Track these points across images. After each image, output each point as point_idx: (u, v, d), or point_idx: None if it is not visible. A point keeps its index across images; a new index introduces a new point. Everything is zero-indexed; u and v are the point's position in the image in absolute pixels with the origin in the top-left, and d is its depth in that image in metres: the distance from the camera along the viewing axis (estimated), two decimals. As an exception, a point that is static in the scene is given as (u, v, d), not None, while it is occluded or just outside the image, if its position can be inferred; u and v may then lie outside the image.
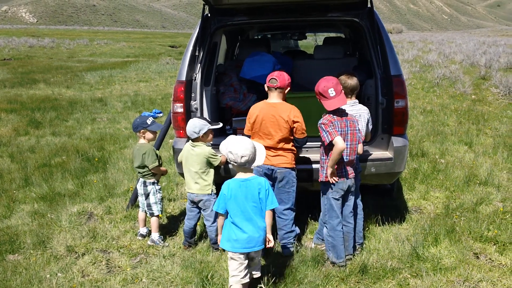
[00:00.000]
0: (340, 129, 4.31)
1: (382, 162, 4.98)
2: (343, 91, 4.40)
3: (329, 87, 4.27)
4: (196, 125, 4.67)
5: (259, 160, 3.87)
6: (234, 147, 3.74)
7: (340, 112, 4.39)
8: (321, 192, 4.63)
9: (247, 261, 3.87)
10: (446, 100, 13.66)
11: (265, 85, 4.63)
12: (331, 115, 4.35)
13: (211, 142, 4.92)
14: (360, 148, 4.53)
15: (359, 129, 4.49)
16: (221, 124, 4.99)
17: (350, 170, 4.48)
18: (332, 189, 4.47)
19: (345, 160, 4.41)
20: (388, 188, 6.11)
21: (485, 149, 8.40)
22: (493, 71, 17.91)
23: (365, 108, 4.79)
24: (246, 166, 3.80)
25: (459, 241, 4.86)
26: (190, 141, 4.81)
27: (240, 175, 3.85)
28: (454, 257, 4.58)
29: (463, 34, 79.22)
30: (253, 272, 4.01)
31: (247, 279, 3.87)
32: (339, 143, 4.20)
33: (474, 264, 4.49)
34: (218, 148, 4.03)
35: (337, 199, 4.51)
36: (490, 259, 4.62)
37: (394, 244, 4.81)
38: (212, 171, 4.80)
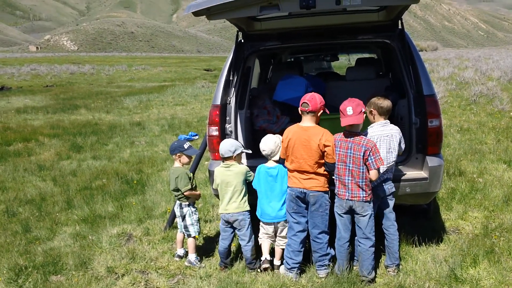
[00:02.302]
0: (338, 149, 4.50)
1: (417, 182, 4.95)
2: (363, 112, 4.49)
3: (348, 106, 4.44)
4: (232, 145, 4.94)
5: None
6: (261, 142, 4.90)
7: (351, 134, 4.49)
8: None
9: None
10: (484, 117, 13.42)
11: (299, 108, 4.71)
12: (344, 132, 4.54)
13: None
14: (373, 174, 4.45)
15: (371, 153, 4.45)
16: (251, 151, 5.28)
17: (345, 192, 4.51)
18: (336, 203, 4.62)
19: (337, 179, 4.57)
20: (424, 208, 6.05)
21: (525, 167, 8.22)
22: (533, 87, 17.52)
23: (397, 128, 4.80)
24: (268, 158, 4.90)
25: (499, 262, 4.77)
26: (222, 163, 4.98)
27: (268, 163, 4.92)
28: (493, 279, 4.49)
29: (500, 50, 77.77)
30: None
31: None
32: None
33: (514, 285, 4.40)
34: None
35: (341, 215, 4.61)
36: (531, 280, 4.51)
37: (432, 265, 4.75)
38: (246, 188, 4.96)
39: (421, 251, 5.15)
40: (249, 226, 4.93)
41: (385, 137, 4.70)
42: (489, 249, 5.01)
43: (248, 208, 4.95)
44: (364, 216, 4.53)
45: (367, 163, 4.41)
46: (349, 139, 4.48)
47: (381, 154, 4.53)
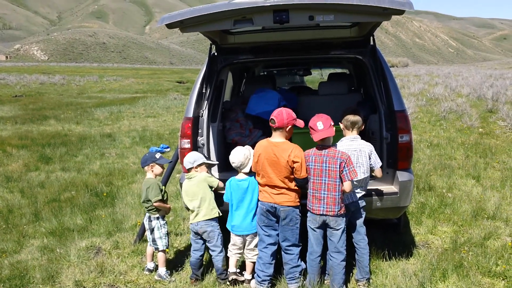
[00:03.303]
0: (313, 164, 4.51)
1: (388, 196, 5.00)
2: (333, 126, 4.54)
3: (318, 121, 4.49)
4: (192, 156, 5.04)
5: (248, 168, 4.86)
6: (230, 155, 4.90)
7: (325, 148, 4.52)
8: None
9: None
10: (453, 133, 13.69)
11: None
12: (317, 147, 4.56)
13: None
14: (347, 186, 4.49)
15: (346, 165, 4.50)
16: (217, 162, 5.35)
17: (319, 207, 4.51)
18: (309, 217, 4.63)
19: (312, 194, 4.56)
20: (394, 223, 6.10)
21: (493, 183, 8.39)
22: (500, 104, 17.91)
23: (368, 144, 4.85)
24: (238, 171, 4.90)
25: (467, 276, 4.83)
26: (185, 176, 5.04)
27: (238, 176, 4.91)
28: (462, 292, 4.55)
29: (470, 67, 79.64)
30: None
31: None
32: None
33: (482, 299, 4.47)
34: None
35: (314, 230, 4.62)
36: (499, 294, 4.59)
37: (402, 279, 4.78)
38: (213, 194, 4.99)
39: (391, 265, 5.19)
40: (219, 237, 4.93)
41: (353, 152, 4.73)
42: (458, 263, 5.08)
43: (216, 215, 4.96)
44: (337, 230, 4.55)
45: (341, 174, 4.44)
46: (323, 152, 4.50)
47: None
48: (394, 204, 5.02)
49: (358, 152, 4.73)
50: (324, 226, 4.59)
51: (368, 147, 4.81)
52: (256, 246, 4.89)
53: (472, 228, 6.25)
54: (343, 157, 4.45)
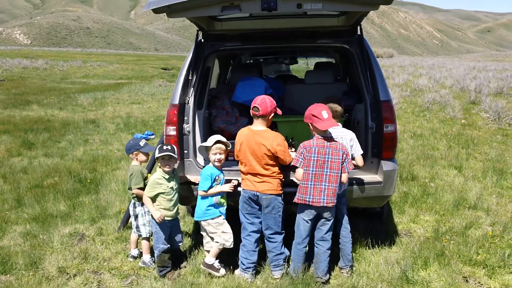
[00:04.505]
0: (316, 155, 4.44)
1: (372, 185, 5.03)
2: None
3: (322, 110, 4.44)
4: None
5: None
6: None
7: (327, 139, 4.50)
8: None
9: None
10: (436, 124, 13.82)
11: (250, 111, 4.72)
12: (318, 138, 4.49)
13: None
14: (344, 177, 4.55)
15: (346, 156, 4.53)
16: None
17: (320, 199, 4.49)
18: (304, 210, 4.60)
19: (312, 186, 4.49)
20: (378, 212, 6.17)
21: (475, 173, 8.50)
22: (483, 96, 18.13)
23: (349, 132, 4.90)
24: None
25: (449, 264, 4.91)
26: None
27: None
28: (443, 281, 4.62)
29: (454, 59, 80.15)
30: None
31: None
32: (298, 173, 4.55)
33: (463, 287, 4.53)
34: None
35: (307, 221, 4.61)
36: (479, 282, 4.66)
37: (384, 267, 4.85)
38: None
39: (374, 253, 5.25)
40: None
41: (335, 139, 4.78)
42: (439, 252, 5.15)
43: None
44: (329, 220, 4.60)
45: (342, 166, 4.46)
46: (326, 144, 4.48)
47: None
48: (378, 193, 5.07)
49: (340, 139, 4.76)
50: (317, 217, 4.61)
51: (349, 134, 4.85)
52: (212, 232, 4.89)
53: (454, 218, 6.34)
54: (344, 148, 4.50)
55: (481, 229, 5.96)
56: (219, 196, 4.84)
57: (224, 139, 4.85)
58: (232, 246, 4.84)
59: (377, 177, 5.13)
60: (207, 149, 4.83)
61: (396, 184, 5.40)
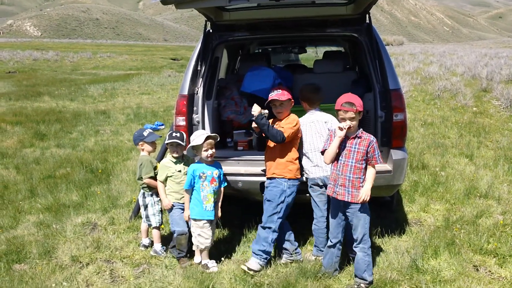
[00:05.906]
0: (344, 145, 4.29)
1: (381, 174, 5.00)
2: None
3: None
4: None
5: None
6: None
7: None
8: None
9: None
10: (447, 112, 13.73)
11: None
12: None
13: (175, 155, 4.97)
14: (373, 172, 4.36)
15: (376, 150, 4.32)
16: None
17: (344, 191, 4.33)
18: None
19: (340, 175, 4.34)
20: (387, 201, 6.16)
21: (486, 162, 8.45)
22: (495, 83, 17.90)
23: (324, 114, 4.99)
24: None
25: (459, 253, 4.90)
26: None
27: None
28: (453, 270, 4.61)
29: (465, 46, 79.46)
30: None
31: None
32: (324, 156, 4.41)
33: (473, 276, 4.51)
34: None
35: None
36: (490, 271, 4.65)
37: (394, 256, 4.85)
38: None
39: (384, 243, 5.26)
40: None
41: (310, 123, 4.91)
42: (449, 241, 5.14)
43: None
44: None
45: (371, 157, 4.29)
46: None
47: (308, 138, 4.84)
48: (387, 182, 5.05)
49: (315, 123, 4.89)
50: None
51: (325, 116, 4.97)
52: (192, 230, 4.84)
53: (465, 206, 6.32)
54: (370, 138, 4.32)
55: (492, 218, 5.94)
56: (207, 193, 4.73)
57: (211, 134, 4.81)
58: (206, 248, 4.79)
59: (387, 166, 5.12)
60: (197, 147, 4.72)
61: (406, 173, 5.39)
